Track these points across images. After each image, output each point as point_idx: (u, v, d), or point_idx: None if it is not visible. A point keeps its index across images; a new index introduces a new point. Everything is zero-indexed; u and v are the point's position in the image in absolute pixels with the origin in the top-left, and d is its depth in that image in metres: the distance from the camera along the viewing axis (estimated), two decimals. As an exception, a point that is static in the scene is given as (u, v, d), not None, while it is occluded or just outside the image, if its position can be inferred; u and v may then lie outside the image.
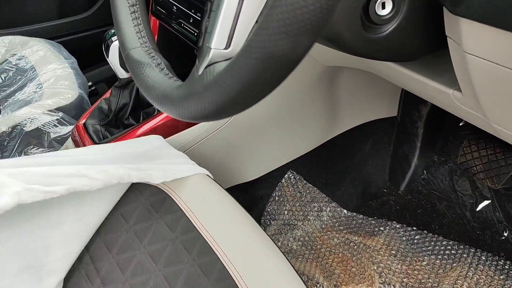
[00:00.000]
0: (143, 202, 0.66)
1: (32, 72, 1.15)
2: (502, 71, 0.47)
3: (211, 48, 0.39)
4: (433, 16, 0.49)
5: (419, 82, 0.66)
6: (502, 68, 0.47)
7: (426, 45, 0.54)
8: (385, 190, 1.13)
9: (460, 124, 1.11)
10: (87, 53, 1.39)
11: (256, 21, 0.38)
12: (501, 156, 0.95)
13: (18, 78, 1.16)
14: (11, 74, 1.18)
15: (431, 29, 0.51)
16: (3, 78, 1.18)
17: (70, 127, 0.98)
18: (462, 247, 0.98)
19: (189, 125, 0.86)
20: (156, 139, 0.76)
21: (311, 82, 0.93)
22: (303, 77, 0.91)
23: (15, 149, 0.93)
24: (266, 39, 0.30)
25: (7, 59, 1.24)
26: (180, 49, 0.82)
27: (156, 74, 0.48)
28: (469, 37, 0.46)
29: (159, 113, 0.87)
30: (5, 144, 0.93)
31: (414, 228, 1.03)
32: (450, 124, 1.11)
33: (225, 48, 0.39)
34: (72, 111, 1.02)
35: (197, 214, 0.63)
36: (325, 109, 1.02)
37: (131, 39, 0.52)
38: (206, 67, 0.40)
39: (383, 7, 0.48)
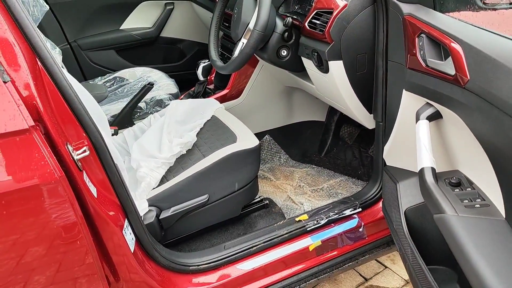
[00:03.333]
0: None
1: (155, 82, 2.45)
2: (317, 73, 1.68)
3: (234, 54, 1.65)
4: (298, 55, 1.73)
5: (307, 84, 1.88)
6: (315, 72, 1.68)
7: (301, 65, 1.76)
8: (314, 155, 2.30)
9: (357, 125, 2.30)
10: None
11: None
12: (353, 129, 2.13)
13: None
14: (144, 83, 2.49)
15: (300, 59, 1.74)
16: (140, 85, 2.48)
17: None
18: (340, 175, 2.12)
19: (226, 101, 2.10)
20: (210, 100, 1.99)
21: (279, 92, 2.17)
22: (274, 88, 2.15)
23: (152, 106, 2.19)
24: (245, 49, 1.56)
25: (141, 77, 2.56)
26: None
27: (219, 62, 1.75)
28: (303, 60, 1.70)
29: (213, 95, 2.12)
30: (148, 102, 2.20)
31: (322, 167, 2.19)
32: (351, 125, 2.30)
33: (236, 54, 1.64)
34: (174, 96, 2.29)
35: (223, 118, 1.85)
36: (286, 108, 2.24)
37: (214, 55, 1.80)
38: (232, 58, 1.66)
39: (283, 52, 1.71)
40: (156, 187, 1.56)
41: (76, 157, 1.11)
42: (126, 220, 1.30)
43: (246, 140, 1.69)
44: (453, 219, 0.83)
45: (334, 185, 2.04)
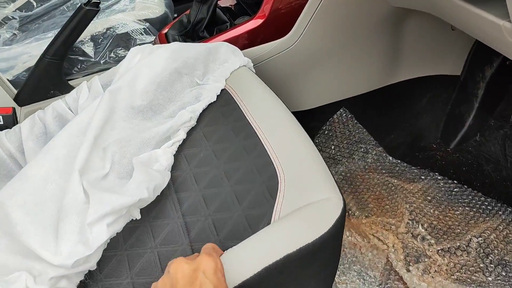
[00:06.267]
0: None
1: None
2: None
3: None
4: None
5: (474, 15, 0.69)
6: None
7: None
8: (434, 146, 1.15)
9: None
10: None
11: None
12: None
13: (116, -5, 1.30)
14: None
15: None
16: (102, -6, 1.32)
17: (153, 37, 1.11)
18: (499, 205, 0.99)
19: (258, 42, 0.95)
20: (222, 45, 0.85)
21: (377, 22, 0.97)
22: (368, 15, 0.95)
23: (106, 47, 1.07)
24: None
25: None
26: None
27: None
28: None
29: (231, 28, 0.96)
30: (99, 42, 1.07)
31: (455, 181, 1.06)
32: (514, 91, 1.10)
33: None
34: (157, 25, 1.14)
35: (247, 103, 0.73)
36: (388, 54, 1.06)
37: None
38: None
39: None
40: None
41: None
42: None
43: (306, 190, 0.58)
44: None
45: (491, 239, 0.93)
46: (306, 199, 0.56)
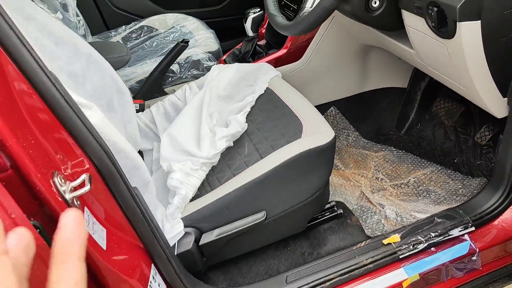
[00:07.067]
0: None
1: (191, 34, 1.96)
2: (428, 38, 1.15)
3: (305, 7, 1.13)
4: (397, 8, 1.19)
5: (399, 48, 1.35)
6: (426, 36, 1.15)
7: (397, 22, 1.23)
8: (391, 132, 1.80)
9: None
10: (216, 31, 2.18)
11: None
12: (454, 105, 1.60)
13: (181, 38, 1.97)
14: (177, 35, 2.00)
15: (398, 14, 1.21)
16: (172, 37, 1.99)
17: (213, 63, 1.77)
18: (429, 163, 1.63)
19: (282, 64, 1.60)
20: (263, 65, 1.50)
21: (352, 52, 1.65)
22: (347, 48, 1.63)
23: (186, 68, 1.73)
24: (324, 2, 1.04)
25: (174, 27, 2.06)
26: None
27: (280, 19, 1.23)
28: (405, 16, 1.16)
29: (266, 56, 1.62)
30: (182, 64, 1.73)
31: (403, 151, 1.70)
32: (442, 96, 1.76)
33: (310, 7, 1.12)
34: (215, 55, 1.80)
35: (281, 93, 1.37)
36: (360, 72, 1.72)
37: (272, 6, 1.28)
38: (301, 14, 1.14)
39: (375, 3, 1.18)
40: (194, 196, 1.14)
41: (69, 196, 0.68)
42: (152, 268, 0.89)
43: (317, 129, 1.22)
44: None
45: (422, 179, 1.56)
46: (316, 131, 1.20)
